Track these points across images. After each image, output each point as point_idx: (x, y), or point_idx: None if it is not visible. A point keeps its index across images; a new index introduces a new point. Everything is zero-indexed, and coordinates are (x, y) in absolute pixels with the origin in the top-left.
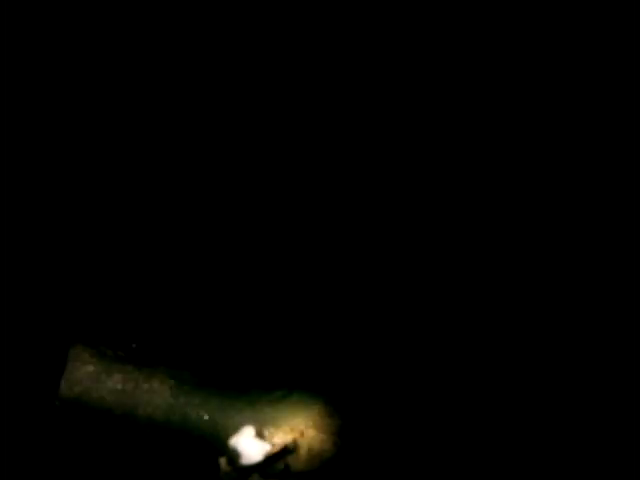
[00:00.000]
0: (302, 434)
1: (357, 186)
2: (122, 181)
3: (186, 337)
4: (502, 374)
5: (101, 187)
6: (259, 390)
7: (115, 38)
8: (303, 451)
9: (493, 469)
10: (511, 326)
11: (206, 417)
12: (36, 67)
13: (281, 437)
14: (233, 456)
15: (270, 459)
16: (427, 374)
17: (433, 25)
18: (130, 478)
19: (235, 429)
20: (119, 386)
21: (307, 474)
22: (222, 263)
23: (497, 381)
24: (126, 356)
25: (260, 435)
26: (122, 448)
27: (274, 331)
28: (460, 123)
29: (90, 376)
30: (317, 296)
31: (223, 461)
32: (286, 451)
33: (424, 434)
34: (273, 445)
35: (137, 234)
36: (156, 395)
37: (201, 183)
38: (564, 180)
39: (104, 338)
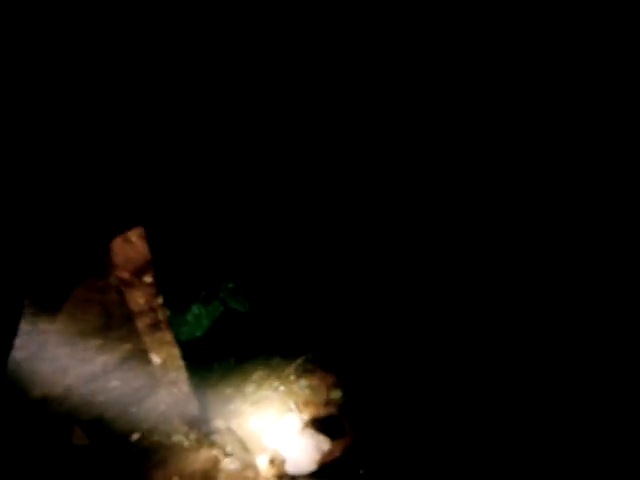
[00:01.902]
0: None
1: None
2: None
3: None
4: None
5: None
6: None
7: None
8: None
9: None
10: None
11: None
12: (36, 67)
13: (315, 411)
14: (276, 458)
15: (328, 466)
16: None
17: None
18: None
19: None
20: None
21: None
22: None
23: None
24: None
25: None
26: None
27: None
28: (460, 124)
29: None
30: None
31: (264, 463)
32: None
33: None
34: (331, 444)
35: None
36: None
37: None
38: (564, 180)
39: None
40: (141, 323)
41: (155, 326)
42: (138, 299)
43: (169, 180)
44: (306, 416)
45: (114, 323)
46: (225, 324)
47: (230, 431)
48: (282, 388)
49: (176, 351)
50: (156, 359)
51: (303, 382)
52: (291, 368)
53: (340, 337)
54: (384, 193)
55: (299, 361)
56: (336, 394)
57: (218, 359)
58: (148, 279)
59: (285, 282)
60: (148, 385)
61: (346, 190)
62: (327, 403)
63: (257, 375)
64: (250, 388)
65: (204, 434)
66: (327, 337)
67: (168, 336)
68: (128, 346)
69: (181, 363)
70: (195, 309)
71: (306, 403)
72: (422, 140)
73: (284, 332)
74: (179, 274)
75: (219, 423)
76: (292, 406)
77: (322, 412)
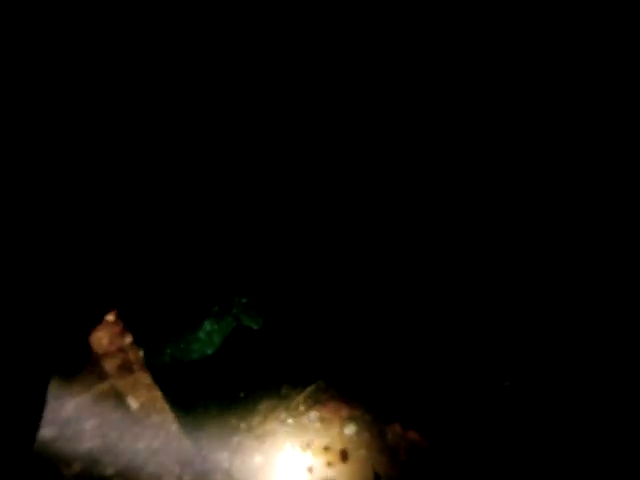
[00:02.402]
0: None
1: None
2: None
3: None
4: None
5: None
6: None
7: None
8: None
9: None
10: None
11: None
12: (36, 67)
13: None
14: None
15: None
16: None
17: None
18: None
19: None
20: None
21: None
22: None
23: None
24: None
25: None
26: None
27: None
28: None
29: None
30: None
31: None
32: None
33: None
34: None
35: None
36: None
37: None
38: (564, 181)
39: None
40: (108, 365)
41: (126, 368)
42: (101, 340)
43: (174, 188)
44: (308, 462)
45: (87, 361)
46: (236, 342)
47: (229, 474)
48: (290, 421)
49: (157, 393)
50: (133, 403)
51: (313, 414)
52: (301, 397)
53: (356, 363)
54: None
55: (310, 389)
56: (349, 429)
57: (225, 383)
58: (110, 317)
59: (300, 298)
60: (129, 427)
61: (365, 202)
62: (328, 448)
63: (264, 404)
64: (256, 419)
65: (200, 474)
66: (342, 362)
67: (144, 378)
68: (103, 387)
69: (164, 405)
70: (207, 325)
71: (309, 445)
72: (422, 141)
73: (296, 354)
74: (191, 288)
75: (221, 457)
76: (295, 451)
77: (325, 460)
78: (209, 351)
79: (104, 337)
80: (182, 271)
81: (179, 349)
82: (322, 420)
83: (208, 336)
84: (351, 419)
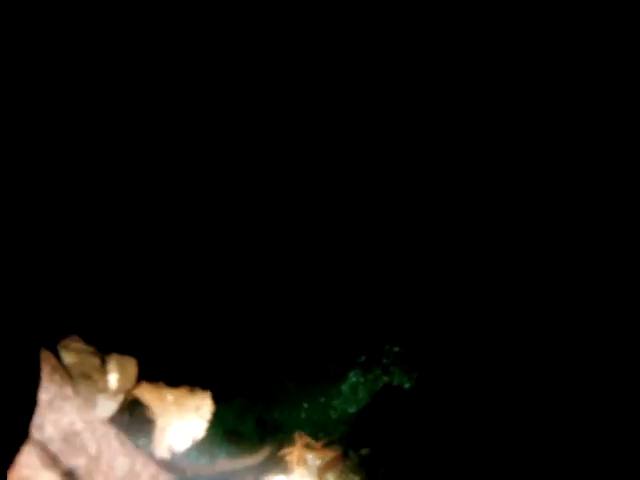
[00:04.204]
0: None
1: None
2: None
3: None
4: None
5: None
6: None
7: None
8: None
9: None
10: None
11: None
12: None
13: None
14: None
15: None
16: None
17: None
18: None
19: None
20: None
21: None
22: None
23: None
24: None
25: None
26: None
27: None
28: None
29: None
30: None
31: None
32: None
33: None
34: None
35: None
36: None
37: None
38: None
39: None
40: None
41: None
42: None
43: None
44: None
45: None
46: (384, 402)
47: None
48: None
49: None
50: None
51: None
52: None
53: None
54: None
55: None
56: None
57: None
58: None
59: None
60: None
61: None
62: None
63: None
64: None
65: None
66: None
67: None
68: None
69: None
70: (352, 377)
71: None
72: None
73: (454, 431)
74: (334, 331)
75: None
76: None
77: None
78: (352, 409)
79: None
80: (323, 311)
81: (317, 404)
82: None
83: (352, 390)
84: None
